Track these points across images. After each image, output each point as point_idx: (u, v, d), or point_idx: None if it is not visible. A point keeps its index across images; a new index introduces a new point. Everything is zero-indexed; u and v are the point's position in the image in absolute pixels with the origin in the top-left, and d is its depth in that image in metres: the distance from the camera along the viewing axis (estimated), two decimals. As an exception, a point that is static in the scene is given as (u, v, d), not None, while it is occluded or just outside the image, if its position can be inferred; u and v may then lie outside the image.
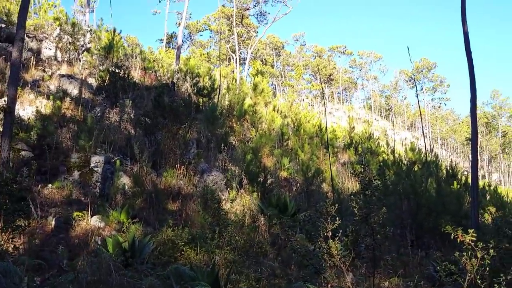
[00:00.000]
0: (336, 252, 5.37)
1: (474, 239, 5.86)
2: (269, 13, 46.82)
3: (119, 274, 5.55)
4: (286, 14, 43.69)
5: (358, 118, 63.05)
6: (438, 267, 6.19)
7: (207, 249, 7.01)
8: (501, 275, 5.63)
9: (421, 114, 21.14)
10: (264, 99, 22.53)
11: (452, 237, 6.05)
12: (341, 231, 5.75)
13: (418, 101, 18.07)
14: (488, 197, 20.76)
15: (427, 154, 21.50)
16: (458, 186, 17.17)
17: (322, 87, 64.13)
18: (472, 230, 5.94)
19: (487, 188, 23.16)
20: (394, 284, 8.46)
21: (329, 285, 5.66)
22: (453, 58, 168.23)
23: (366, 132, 25.35)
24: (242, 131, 17.11)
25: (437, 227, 11.77)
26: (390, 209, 13.18)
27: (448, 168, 20.11)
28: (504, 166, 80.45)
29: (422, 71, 79.45)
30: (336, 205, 5.81)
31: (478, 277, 5.61)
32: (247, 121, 18.36)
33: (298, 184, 14.68)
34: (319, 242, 5.56)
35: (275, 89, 72.68)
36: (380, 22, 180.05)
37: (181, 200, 10.53)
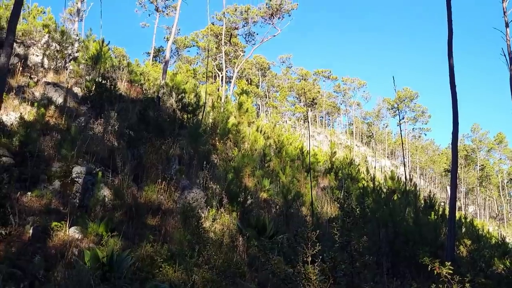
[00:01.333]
0: (314, 277, 5.39)
1: (451, 271, 5.93)
2: (257, 34, 47.02)
3: (97, 288, 5.51)
4: (274, 36, 43.87)
5: (339, 143, 63.45)
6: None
7: (185, 267, 6.98)
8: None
9: (402, 143, 21.28)
10: (248, 118, 22.59)
11: (429, 269, 6.11)
12: (320, 257, 5.78)
13: (401, 130, 18.30)
14: (464, 229, 20.94)
15: (407, 183, 21.65)
16: (435, 216, 17.34)
17: (306, 110, 64.43)
18: (449, 263, 6.00)
19: (463, 220, 23.34)
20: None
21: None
22: (436, 88, 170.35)
23: (347, 158, 25.48)
24: (225, 150, 17.12)
25: (414, 256, 11.85)
26: (368, 236, 13.27)
27: (426, 198, 20.29)
28: (480, 199, 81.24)
29: (404, 100, 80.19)
30: (318, 231, 5.84)
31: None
32: (230, 140, 18.38)
33: (278, 206, 14.68)
34: (298, 267, 5.58)
35: (259, 109, 72.83)
36: (366, 49, 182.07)
37: (161, 215, 10.48)
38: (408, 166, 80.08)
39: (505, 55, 21.17)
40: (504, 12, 21.95)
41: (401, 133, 21.24)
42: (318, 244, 5.73)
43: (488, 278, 13.76)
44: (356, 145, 75.43)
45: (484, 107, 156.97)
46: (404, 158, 21.55)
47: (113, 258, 6.71)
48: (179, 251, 7.65)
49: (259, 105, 75.04)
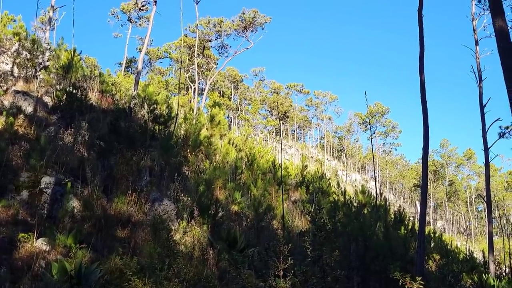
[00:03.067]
0: (286, 291, 5.36)
1: (422, 286, 5.95)
2: (230, 46, 47.16)
3: (64, 302, 5.40)
4: (247, 48, 44.04)
5: (310, 156, 63.63)
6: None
7: (155, 280, 6.89)
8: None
9: (373, 158, 21.46)
10: (220, 131, 22.55)
11: (400, 284, 6.13)
12: (292, 271, 5.75)
13: (372, 145, 18.42)
14: (432, 244, 21.11)
15: (377, 197, 21.78)
16: (405, 231, 17.42)
17: (279, 123, 64.60)
18: (420, 278, 6.03)
19: (432, 235, 23.55)
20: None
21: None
22: (406, 104, 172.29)
23: (318, 172, 25.57)
24: (196, 162, 17.02)
25: (384, 271, 11.90)
26: (339, 250, 13.30)
27: (396, 213, 20.42)
28: (449, 214, 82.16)
29: (375, 115, 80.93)
30: (290, 244, 5.82)
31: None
32: (202, 152, 18.30)
33: (249, 219, 14.63)
34: (270, 281, 5.54)
35: (231, 121, 72.79)
36: (338, 64, 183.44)
37: (130, 227, 10.36)
38: (378, 180, 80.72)
39: (474, 72, 21.52)
40: (474, 30, 22.33)
41: (372, 148, 21.37)
42: (290, 258, 5.70)
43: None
44: (327, 159, 75.74)
45: (454, 122, 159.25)
46: (374, 172, 21.72)
47: (81, 271, 6.59)
48: (149, 264, 7.55)
49: (231, 117, 74.99)
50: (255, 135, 57.74)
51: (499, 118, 20.97)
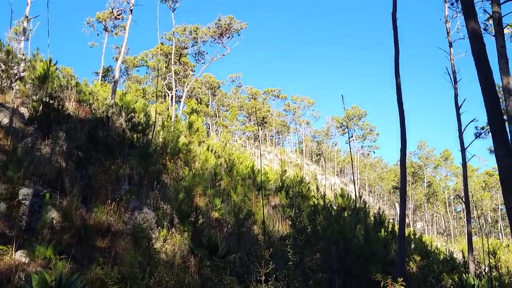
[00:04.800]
0: (269, 296, 5.38)
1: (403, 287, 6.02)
2: (207, 53, 47.31)
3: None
4: (224, 55, 44.15)
5: (289, 161, 63.72)
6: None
7: (137, 289, 6.88)
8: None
9: (352, 161, 21.54)
10: (198, 138, 22.55)
11: (382, 285, 6.19)
12: (274, 275, 5.77)
13: (350, 148, 18.53)
14: (413, 245, 21.29)
15: (356, 200, 21.91)
16: (385, 233, 17.57)
17: (257, 129, 64.64)
18: (401, 279, 6.09)
19: (412, 236, 23.76)
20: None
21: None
22: (383, 107, 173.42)
23: (297, 176, 25.64)
24: (175, 169, 16.99)
25: (365, 273, 11.97)
26: (320, 253, 13.34)
27: (376, 215, 20.57)
28: (428, 216, 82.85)
29: (353, 118, 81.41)
30: (271, 249, 5.84)
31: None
32: (181, 160, 18.26)
33: (229, 225, 14.64)
34: (252, 286, 5.56)
35: (209, 128, 72.77)
36: (314, 69, 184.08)
37: (110, 237, 10.30)
38: (357, 183, 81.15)
39: (449, 74, 21.79)
40: (448, 32, 22.64)
41: (350, 151, 21.48)
42: (271, 262, 5.72)
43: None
44: (306, 163, 75.98)
45: (431, 124, 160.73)
46: (353, 175, 21.85)
47: (62, 282, 6.54)
48: (130, 273, 7.52)
49: (209, 124, 74.99)
50: (234, 141, 57.75)
51: (475, 119, 21.32)
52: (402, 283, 5.61)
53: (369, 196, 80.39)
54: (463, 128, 20.76)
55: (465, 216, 21.74)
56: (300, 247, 5.78)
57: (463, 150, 20.83)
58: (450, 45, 22.26)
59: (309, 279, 5.62)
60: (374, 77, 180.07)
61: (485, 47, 9.20)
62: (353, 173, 21.79)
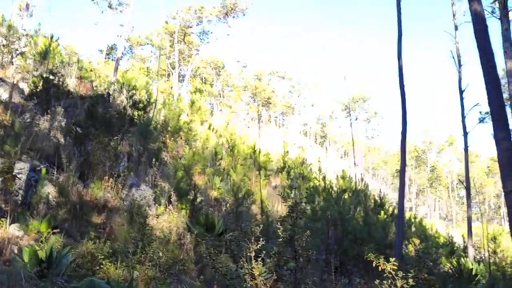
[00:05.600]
0: (258, 273, 5.33)
1: (396, 267, 5.95)
2: (211, 33, 46.89)
3: (32, 285, 5.33)
4: (228, 35, 43.88)
5: (293, 143, 63.65)
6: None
7: (127, 264, 6.84)
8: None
9: (353, 143, 21.46)
10: (200, 117, 22.51)
11: (374, 265, 6.13)
12: (265, 252, 5.73)
13: (352, 129, 18.47)
14: (413, 229, 21.25)
15: (357, 183, 21.87)
16: (385, 216, 17.53)
17: (258, 109, 64.55)
18: (394, 259, 6.02)
19: (413, 220, 23.73)
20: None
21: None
22: (389, 91, 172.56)
23: (299, 158, 25.62)
24: (176, 148, 16.95)
25: (362, 255, 11.94)
26: (317, 234, 13.31)
27: (377, 198, 20.53)
28: (431, 200, 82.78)
29: (357, 101, 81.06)
30: (261, 226, 5.80)
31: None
32: (182, 138, 18.23)
33: (228, 204, 14.61)
34: (241, 262, 5.52)
35: (213, 108, 72.64)
36: (320, 50, 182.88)
37: (106, 213, 10.29)
38: (361, 166, 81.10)
39: (454, 58, 21.59)
40: (454, 15, 22.36)
41: (352, 132, 21.39)
42: (261, 239, 5.68)
43: (432, 275, 14.00)
44: (310, 145, 75.87)
45: (436, 108, 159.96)
46: (355, 157, 21.78)
47: (52, 255, 6.51)
48: (122, 248, 7.51)
49: (213, 104, 74.85)
50: (238, 122, 57.64)
51: (478, 103, 21.07)
52: (394, 263, 5.51)
53: (372, 179, 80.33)
54: (465, 112, 20.59)
55: (466, 200, 21.61)
56: (290, 224, 5.72)
57: (465, 134, 20.68)
58: (456, 28, 21.98)
59: (299, 256, 5.56)
60: (381, 61, 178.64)
61: (487, 29, 9.06)
62: (354, 155, 21.77)
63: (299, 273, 5.59)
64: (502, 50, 13.11)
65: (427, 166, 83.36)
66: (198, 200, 12.95)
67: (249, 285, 5.46)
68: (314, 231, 13.59)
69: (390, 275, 5.87)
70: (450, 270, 16.21)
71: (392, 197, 65.91)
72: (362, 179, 23.45)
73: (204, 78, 71.82)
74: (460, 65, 21.25)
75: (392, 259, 5.97)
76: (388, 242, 14.31)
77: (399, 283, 5.74)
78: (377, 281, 5.88)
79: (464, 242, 20.55)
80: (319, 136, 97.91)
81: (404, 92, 13.93)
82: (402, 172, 13.88)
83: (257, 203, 16.04)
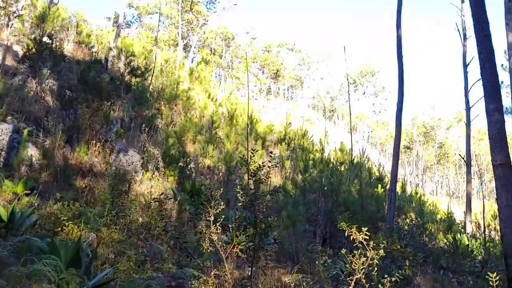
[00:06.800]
0: (216, 237, 5.18)
1: (367, 237, 5.80)
2: (219, 2, 46.40)
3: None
4: (235, 4, 43.32)
5: (301, 116, 63.33)
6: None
7: (93, 226, 6.73)
8: (385, 276, 5.60)
9: (350, 112, 21.16)
10: (204, 87, 22.29)
11: (346, 235, 5.99)
12: (223, 216, 5.59)
13: (349, 98, 18.17)
14: (413, 204, 21.08)
15: (359, 156, 21.68)
16: (383, 190, 17.35)
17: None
18: (366, 229, 5.87)
19: (413, 195, 23.57)
20: (295, 279, 8.34)
21: (212, 273, 5.47)
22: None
23: (301, 130, 25.38)
24: (171, 115, 16.76)
25: (353, 227, 11.80)
26: (309, 205, 13.19)
27: (376, 171, 20.35)
28: (437, 177, 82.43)
29: (366, 75, 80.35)
30: (222, 188, 5.64)
31: (363, 276, 5.56)
32: (179, 106, 18.04)
33: (221, 173, 14.49)
34: (200, 227, 5.37)
35: (222, 80, 72.18)
36: (328, 22, 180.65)
37: (91, 177, 10.18)
38: (369, 141, 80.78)
39: (459, 31, 21.23)
40: (460, -13, 21.93)
41: (349, 101, 21.06)
42: (222, 203, 5.53)
43: (426, 250, 13.87)
44: (318, 119, 75.44)
45: (445, 84, 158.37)
46: (350, 127, 21.52)
47: (15, 216, 6.40)
48: (92, 211, 7.39)
49: (221, 75, 74.44)
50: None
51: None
52: (366, 233, 5.35)
53: (380, 155, 79.92)
54: (469, 87, 20.30)
55: (466, 176, 21.39)
56: (252, 189, 5.56)
57: (467, 109, 20.46)
58: (462, 1, 21.57)
59: (260, 222, 5.39)
60: (391, 35, 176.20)
61: (484, -3, 8.79)
62: (350, 127, 21.46)
63: (257, 238, 5.43)
64: (504, 22, 12.82)
65: (435, 143, 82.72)
66: (190, 167, 12.83)
67: (207, 249, 5.32)
68: (306, 203, 13.48)
69: (361, 245, 5.75)
70: (446, 246, 16.10)
71: (398, 173, 65.58)
72: (364, 152, 23.20)
73: (214, 49, 71.29)
74: (465, 39, 20.90)
75: (364, 229, 5.82)
76: (381, 216, 14.15)
77: (369, 254, 5.61)
78: (343, 251, 5.76)
79: (465, 218, 20.42)
80: (328, 110, 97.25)
81: (402, 63, 13.69)
82: (396, 145, 13.68)
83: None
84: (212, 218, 5.37)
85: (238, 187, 5.63)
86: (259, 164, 5.53)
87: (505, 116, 8.95)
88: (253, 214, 5.34)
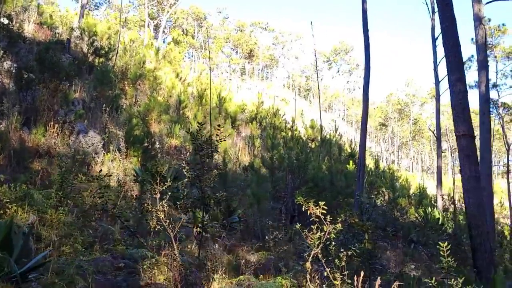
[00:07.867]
0: (162, 216, 4.96)
1: (325, 212, 5.68)
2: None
3: None
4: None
5: (276, 96, 63.10)
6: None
7: (39, 209, 6.46)
8: (342, 250, 5.48)
9: (319, 88, 21.07)
10: (173, 67, 21.95)
11: (303, 209, 5.87)
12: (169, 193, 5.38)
13: (318, 76, 17.96)
14: (385, 180, 21.07)
15: (331, 134, 21.58)
16: (354, 166, 17.26)
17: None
18: (323, 203, 5.73)
19: (386, 170, 23.59)
20: (262, 257, 8.21)
21: (163, 253, 5.26)
22: (373, 44, 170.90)
23: (272, 108, 25.17)
24: (136, 95, 16.42)
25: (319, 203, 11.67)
26: (277, 183, 13.03)
27: (348, 147, 20.27)
28: (412, 153, 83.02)
29: (339, 53, 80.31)
30: (167, 165, 5.42)
31: (319, 251, 5.44)
32: (145, 86, 17.70)
33: (188, 153, 14.24)
34: (146, 205, 5.15)
35: (195, 60, 71.60)
36: (304, 2, 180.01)
37: (48, 159, 9.88)
38: (344, 119, 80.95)
39: (427, 4, 21.15)
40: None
41: (317, 75, 20.94)
42: (169, 180, 5.31)
43: (397, 224, 13.84)
44: (293, 98, 75.29)
45: (417, 59, 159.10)
46: (319, 103, 21.36)
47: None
48: (38, 193, 7.12)
49: (194, 56, 73.81)
50: (219, 74, 56.92)
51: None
52: (324, 207, 5.19)
53: (356, 133, 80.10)
54: (438, 61, 20.26)
55: (437, 151, 21.42)
56: (197, 163, 5.34)
57: (437, 83, 20.42)
58: (430, -26, 21.45)
59: (209, 198, 5.19)
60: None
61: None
62: (319, 101, 21.29)
63: (206, 215, 5.23)
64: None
65: (410, 119, 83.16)
66: (156, 147, 12.56)
67: (154, 228, 5.10)
68: (274, 181, 13.32)
69: (318, 219, 5.64)
70: (417, 220, 16.10)
71: (375, 150, 65.72)
72: (336, 129, 23.08)
73: (186, 29, 70.61)
74: (433, 12, 20.79)
75: (321, 203, 5.70)
76: (351, 191, 14.05)
77: (326, 228, 5.49)
78: (298, 225, 5.63)
79: (437, 192, 20.49)
80: (303, 89, 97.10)
81: (368, 36, 13.57)
82: (364, 119, 13.54)
83: (222, 153, 15.67)
84: (158, 196, 5.15)
85: (184, 162, 5.41)
86: (206, 138, 5.30)
87: (471, 91, 8.85)
88: (200, 190, 5.13)
